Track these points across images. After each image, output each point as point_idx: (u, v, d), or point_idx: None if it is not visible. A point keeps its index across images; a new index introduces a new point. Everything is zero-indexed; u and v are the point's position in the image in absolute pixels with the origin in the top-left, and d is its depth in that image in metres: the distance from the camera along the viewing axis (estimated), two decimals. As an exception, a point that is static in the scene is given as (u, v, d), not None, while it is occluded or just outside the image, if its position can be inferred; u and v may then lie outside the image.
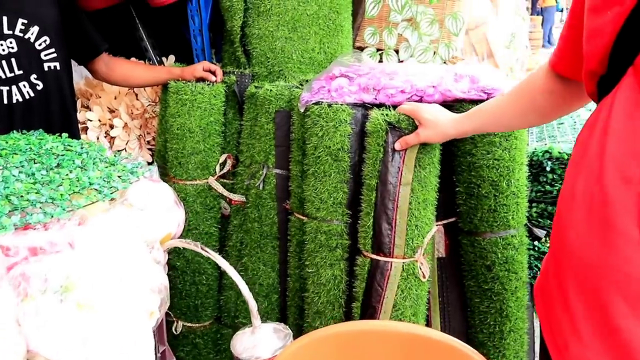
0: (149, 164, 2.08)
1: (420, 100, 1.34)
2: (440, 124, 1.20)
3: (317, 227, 1.46)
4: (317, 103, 1.41)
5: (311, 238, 1.48)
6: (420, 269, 1.29)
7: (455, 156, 1.42)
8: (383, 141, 1.27)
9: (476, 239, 1.44)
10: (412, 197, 1.26)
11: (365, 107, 1.40)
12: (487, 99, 1.29)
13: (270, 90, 1.66)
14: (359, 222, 1.37)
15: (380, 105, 1.38)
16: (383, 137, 1.27)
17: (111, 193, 1.16)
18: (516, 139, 1.35)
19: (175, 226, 1.22)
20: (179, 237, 1.30)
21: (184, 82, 1.78)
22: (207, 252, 1.05)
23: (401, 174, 1.23)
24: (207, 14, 1.96)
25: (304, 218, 1.58)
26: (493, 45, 2.45)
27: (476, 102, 1.30)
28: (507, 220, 1.40)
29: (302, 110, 1.47)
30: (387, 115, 1.28)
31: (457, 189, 1.44)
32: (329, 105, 1.39)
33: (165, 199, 1.22)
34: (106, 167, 1.25)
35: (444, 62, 1.73)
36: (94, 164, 1.25)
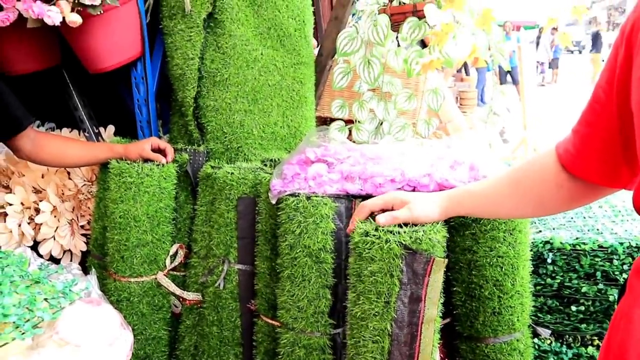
0: (84, 254, 1.79)
1: (413, 191, 1.17)
2: (430, 202, 0.97)
3: (294, 339, 1.23)
4: (292, 194, 1.21)
5: (287, 352, 1.25)
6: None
7: (452, 252, 1.24)
8: (399, 271, 0.91)
9: (477, 345, 1.25)
10: (434, 333, 0.99)
11: (349, 198, 1.21)
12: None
13: (232, 173, 1.45)
14: None
15: (366, 197, 1.19)
16: (398, 266, 0.91)
17: (34, 326, 0.89)
18: (520, 232, 1.20)
19: (123, 363, 0.95)
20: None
21: (128, 162, 1.53)
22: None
23: (424, 309, 0.94)
24: (153, 82, 1.73)
25: (274, 323, 1.34)
26: (453, 114, 2.38)
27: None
28: (512, 323, 1.23)
29: (273, 201, 1.26)
30: (400, 235, 0.92)
31: (455, 288, 1.25)
32: (308, 198, 1.19)
33: (109, 326, 0.96)
34: (28, 288, 0.98)
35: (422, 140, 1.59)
36: (11, 282, 0.98)
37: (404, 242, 0.90)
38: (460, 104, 6.67)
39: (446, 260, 0.91)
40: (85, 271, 1.60)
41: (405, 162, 1.20)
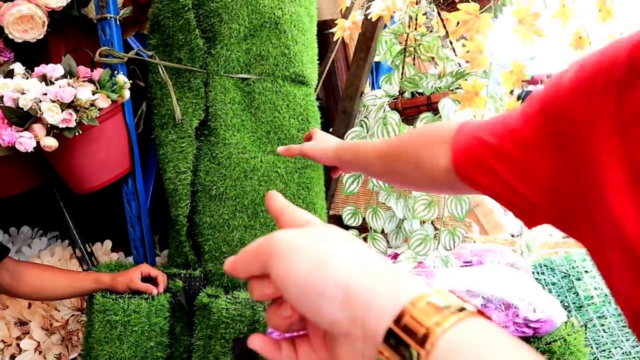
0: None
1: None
2: (328, 141, 1.01)
3: None
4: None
5: None
6: None
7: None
8: None
9: None
10: None
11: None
12: (534, 334, 0.90)
13: (226, 308, 1.25)
14: None
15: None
16: None
17: None
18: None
19: None
20: None
21: (115, 296, 1.35)
22: None
23: None
24: (146, 198, 1.58)
25: None
26: (502, 219, 2.15)
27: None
28: None
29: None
30: None
31: None
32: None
33: None
34: None
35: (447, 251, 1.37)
36: None
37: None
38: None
39: None
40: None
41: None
